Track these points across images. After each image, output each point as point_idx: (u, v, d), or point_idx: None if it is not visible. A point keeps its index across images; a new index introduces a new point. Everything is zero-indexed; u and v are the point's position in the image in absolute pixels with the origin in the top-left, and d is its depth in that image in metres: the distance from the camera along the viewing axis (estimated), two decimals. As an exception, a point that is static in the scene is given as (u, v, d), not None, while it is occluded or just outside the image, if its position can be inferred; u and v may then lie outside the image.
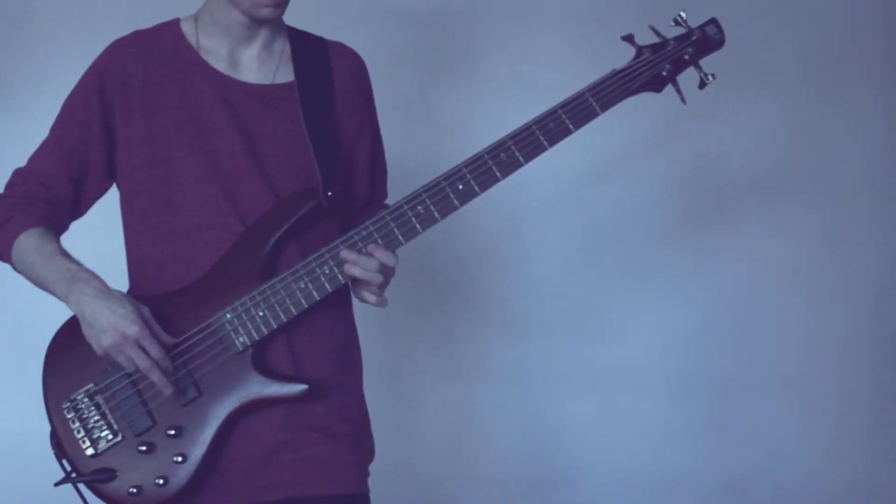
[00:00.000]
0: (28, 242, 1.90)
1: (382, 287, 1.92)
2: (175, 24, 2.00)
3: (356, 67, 2.05)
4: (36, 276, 1.89)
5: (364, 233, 1.86)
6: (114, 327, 1.78)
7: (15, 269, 1.94)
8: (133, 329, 1.78)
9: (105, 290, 1.83)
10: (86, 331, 1.82)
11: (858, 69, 3.29)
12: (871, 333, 3.32)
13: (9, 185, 1.99)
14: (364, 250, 1.86)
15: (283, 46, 2.00)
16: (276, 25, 1.99)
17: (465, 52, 3.22)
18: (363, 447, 1.99)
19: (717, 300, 3.29)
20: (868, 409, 3.31)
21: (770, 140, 3.27)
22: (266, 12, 1.90)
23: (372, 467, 1.99)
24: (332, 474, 1.90)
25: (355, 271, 1.85)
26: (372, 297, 1.91)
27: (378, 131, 2.10)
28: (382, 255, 1.86)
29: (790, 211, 3.29)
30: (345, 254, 1.85)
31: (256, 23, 1.94)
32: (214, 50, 1.96)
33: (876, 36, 3.29)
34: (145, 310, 1.83)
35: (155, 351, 1.80)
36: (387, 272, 1.90)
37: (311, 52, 2.01)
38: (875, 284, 3.32)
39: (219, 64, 1.95)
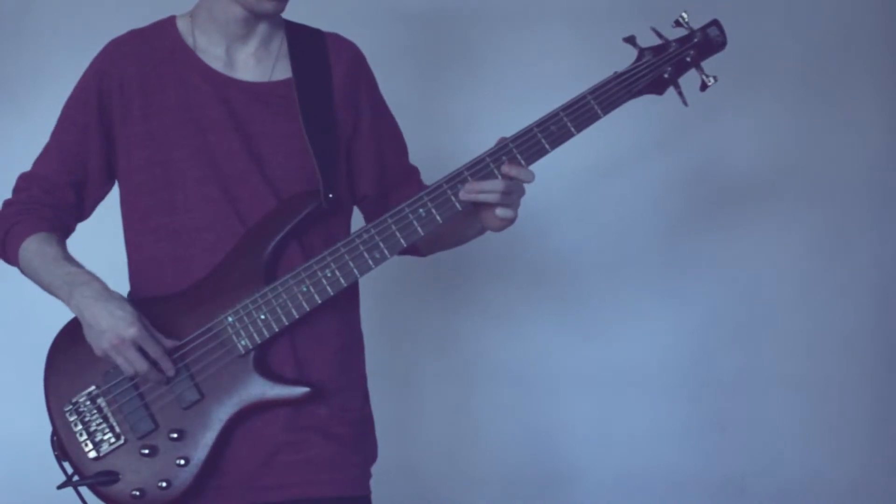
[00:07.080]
0: (31, 248, 1.91)
1: (514, 205, 1.86)
2: (171, 22, 1.99)
3: (354, 59, 2.03)
4: (40, 280, 1.91)
5: (365, 236, 1.86)
6: (112, 329, 1.79)
7: (23, 273, 1.95)
8: (131, 331, 1.79)
9: (105, 292, 1.83)
10: (86, 333, 1.83)
11: (858, 69, 3.28)
12: (871, 333, 3.31)
13: (15, 191, 2.01)
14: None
15: (280, 43, 1.99)
16: (274, 21, 1.97)
17: (467, 52, 3.21)
18: (365, 449, 1.99)
19: (717, 300, 3.28)
20: (868, 408, 3.31)
21: (770, 140, 3.27)
22: (269, 6, 1.89)
23: (372, 468, 1.99)
24: (332, 476, 1.91)
25: (482, 198, 1.82)
26: (505, 213, 1.84)
27: (387, 114, 2.07)
28: (519, 173, 1.82)
29: (790, 211, 3.29)
30: (466, 188, 1.81)
31: (256, 18, 1.93)
32: (210, 49, 1.95)
33: (876, 36, 3.28)
34: (142, 317, 1.83)
35: (153, 350, 1.81)
36: (518, 189, 1.85)
37: (308, 46, 1.99)
38: (875, 284, 3.31)
39: (215, 63, 1.94)
